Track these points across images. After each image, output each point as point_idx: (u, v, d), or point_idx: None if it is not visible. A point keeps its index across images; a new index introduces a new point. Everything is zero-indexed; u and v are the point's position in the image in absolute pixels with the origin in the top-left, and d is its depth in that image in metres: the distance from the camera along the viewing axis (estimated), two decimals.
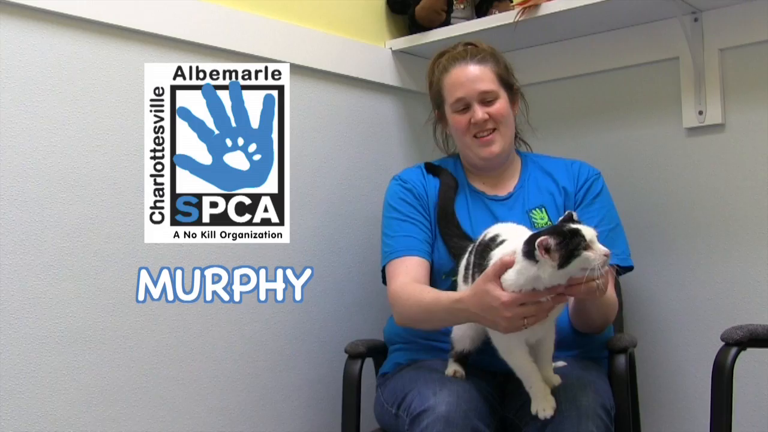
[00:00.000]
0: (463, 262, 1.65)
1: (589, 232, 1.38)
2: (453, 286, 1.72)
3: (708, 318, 2.00)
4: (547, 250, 1.35)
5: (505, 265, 1.42)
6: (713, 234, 2.00)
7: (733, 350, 1.49)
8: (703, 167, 2.03)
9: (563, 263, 1.36)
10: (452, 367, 1.62)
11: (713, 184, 2.01)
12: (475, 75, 1.81)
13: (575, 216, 1.44)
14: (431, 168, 1.90)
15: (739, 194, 1.97)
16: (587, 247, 1.36)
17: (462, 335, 1.63)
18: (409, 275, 1.75)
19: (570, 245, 1.35)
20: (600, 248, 1.37)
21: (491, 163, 1.85)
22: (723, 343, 1.51)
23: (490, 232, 1.59)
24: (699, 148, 2.03)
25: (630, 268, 1.81)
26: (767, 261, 1.92)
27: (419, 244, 1.79)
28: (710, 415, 1.49)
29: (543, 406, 1.49)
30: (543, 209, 1.81)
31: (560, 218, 1.44)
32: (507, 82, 1.85)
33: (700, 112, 2.01)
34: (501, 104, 1.81)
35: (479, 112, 1.79)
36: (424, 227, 1.82)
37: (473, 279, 1.55)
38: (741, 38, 1.95)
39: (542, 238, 1.36)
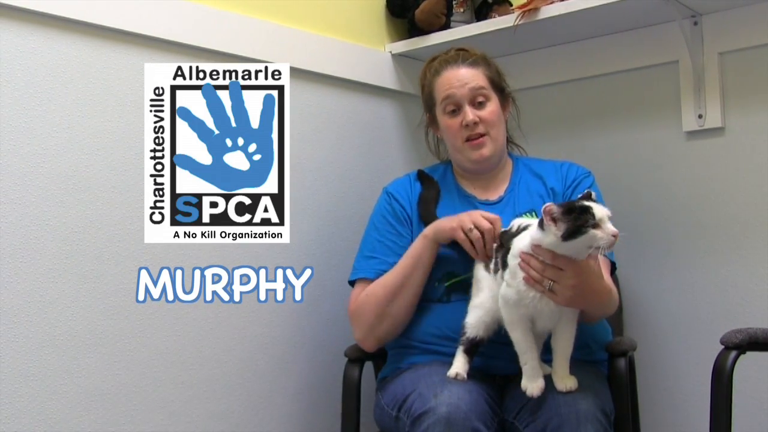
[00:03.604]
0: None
1: (600, 210, 1.39)
2: (446, 293, 1.75)
3: (707, 321, 2.00)
4: (553, 218, 1.36)
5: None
6: (713, 237, 2.00)
7: (733, 354, 1.49)
8: (702, 171, 2.03)
9: (568, 236, 1.38)
10: (455, 368, 1.61)
11: (713, 188, 2.01)
12: (466, 76, 1.83)
13: (593, 195, 1.45)
14: (421, 176, 1.91)
15: (739, 197, 1.97)
16: (596, 225, 1.36)
17: (477, 320, 1.62)
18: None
19: (578, 220, 1.37)
20: (609, 228, 1.38)
21: (482, 166, 1.85)
22: (722, 347, 1.51)
23: (519, 223, 1.62)
24: (699, 151, 2.03)
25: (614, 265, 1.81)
26: (767, 264, 1.92)
27: (387, 268, 1.80)
28: (710, 418, 1.49)
29: (532, 384, 1.50)
30: (533, 213, 1.80)
31: (579, 195, 1.46)
32: (498, 86, 1.87)
33: (700, 116, 2.01)
34: (492, 108, 1.82)
35: (470, 114, 1.80)
36: (400, 247, 1.81)
37: (504, 265, 1.57)
38: (740, 42, 1.95)
39: (548, 204, 1.38)
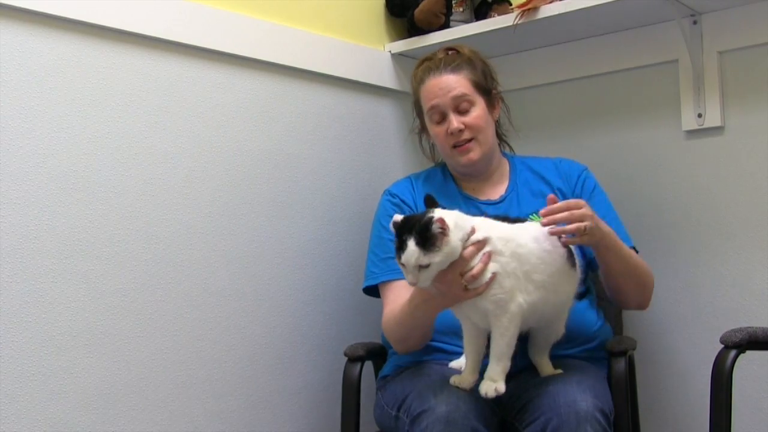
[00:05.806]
0: None
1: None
2: None
3: (707, 320, 2.00)
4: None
5: None
6: (712, 236, 2.01)
7: (733, 353, 1.49)
8: (702, 170, 2.03)
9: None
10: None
11: (712, 187, 2.01)
12: (447, 84, 1.81)
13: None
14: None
15: (738, 197, 1.97)
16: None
17: None
18: (397, 303, 1.72)
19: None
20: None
21: (472, 170, 1.86)
22: (722, 346, 1.51)
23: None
24: (698, 150, 2.03)
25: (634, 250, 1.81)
26: (766, 263, 1.93)
27: None
28: (709, 418, 1.49)
29: (461, 380, 1.53)
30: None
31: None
32: (484, 88, 1.85)
33: (699, 115, 2.01)
34: (477, 112, 1.81)
35: (454, 122, 1.80)
36: None
37: None
38: (740, 41, 1.95)
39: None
